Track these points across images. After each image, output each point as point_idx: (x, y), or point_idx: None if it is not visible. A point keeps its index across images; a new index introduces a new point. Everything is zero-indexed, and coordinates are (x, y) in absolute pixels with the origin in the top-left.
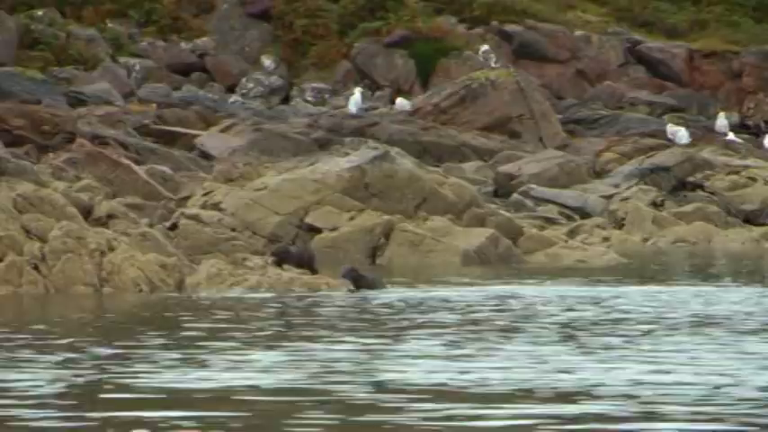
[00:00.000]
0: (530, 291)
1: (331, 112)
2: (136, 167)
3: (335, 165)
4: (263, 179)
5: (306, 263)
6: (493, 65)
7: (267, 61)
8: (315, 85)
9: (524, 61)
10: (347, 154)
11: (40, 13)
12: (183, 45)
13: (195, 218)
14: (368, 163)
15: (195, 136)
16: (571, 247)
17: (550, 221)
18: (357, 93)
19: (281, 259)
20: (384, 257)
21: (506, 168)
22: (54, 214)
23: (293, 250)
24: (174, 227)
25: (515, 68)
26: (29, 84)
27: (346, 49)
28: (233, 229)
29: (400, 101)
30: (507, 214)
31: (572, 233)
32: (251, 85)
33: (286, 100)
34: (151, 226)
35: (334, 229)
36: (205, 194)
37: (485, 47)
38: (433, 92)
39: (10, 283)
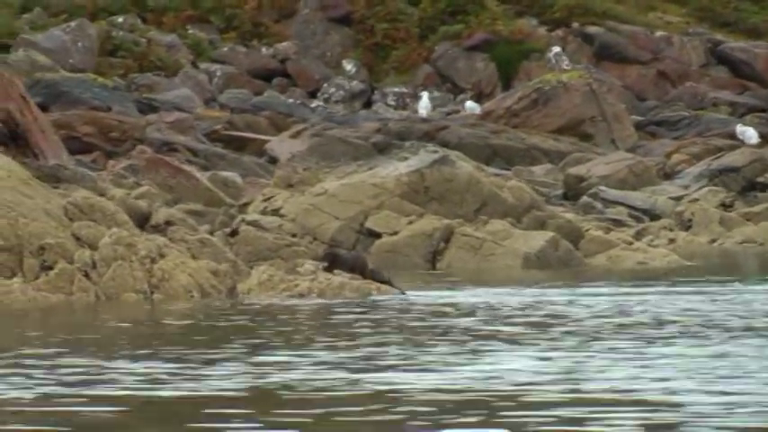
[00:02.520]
0: (559, 294)
1: (401, 116)
2: (197, 174)
3: (395, 169)
4: (323, 184)
5: (358, 267)
6: (565, 66)
7: (348, 66)
8: (396, 89)
9: (606, 63)
10: (406, 158)
11: (120, 19)
12: (264, 50)
13: (255, 224)
14: (427, 167)
15: (265, 141)
16: (633, 249)
17: (618, 224)
18: (425, 96)
19: (332, 264)
20: (444, 262)
21: (576, 170)
22: (105, 222)
23: (344, 255)
24: (234, 233)
25: (596, 70)
26: (99, 91)
27: (427, 52)
28: (293, 235)
29: (470, 104)
30: (567, 216)
31: (638, 235)
32: (333, 89)
33: (368, 104)
34: (212, 232)
35: (393, 234)
36: (265, 200)
37: (556, 49)
38: (505, 95)
39: (61, 290)
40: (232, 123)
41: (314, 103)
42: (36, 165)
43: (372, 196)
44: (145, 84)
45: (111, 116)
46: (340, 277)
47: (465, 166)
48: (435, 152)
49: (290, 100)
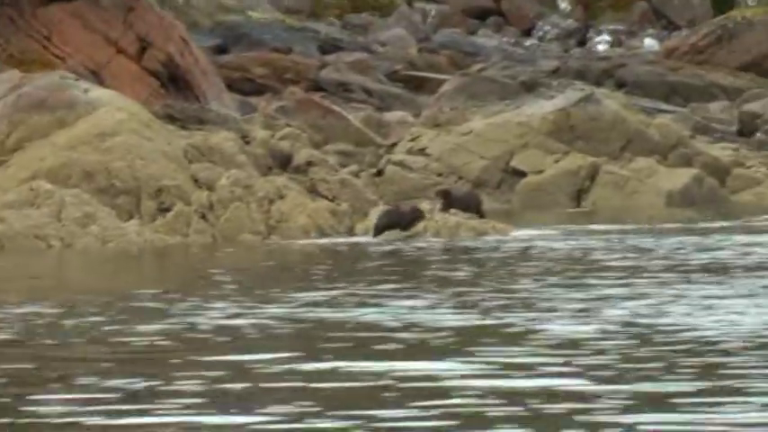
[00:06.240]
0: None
1: (579, 54)
2: (347, 114)
3: (540, 107)
4: (469, 124)
5: (472, 207)
6: (750, 3)
7: (563, 4)
8: (611, 26)
9: None
10: (553, 97)
11: None
12: None
13: (401, 164)
14: (573, 105)
15: (442, 81)
16: None
17: None
18: (604, 34)
19: (448, 203)
20: (588, 200)
21: (750, 107)
22: (224, 163)
23: (459, 194)
24: (380, 173)
25: None
26: (281, 32)
27: None
28: (439, 174)
29: (648, 41)
30: (713, 154)
31: None
32: (547, 27)
33: (582, 43)
34: (359, 172)
35: (539, 172)
36: (412, 140)
37: None
38: (690, 32)
39: (178, 232)
40: (412, 63)
41: (528, 42)
42: (180, 107)
43: (518, 135)
44: (359, 24)
45: (287, 57)
46: (456, 217)
47: (611, 104)
48: (581, 90)
49: (504, 39)
